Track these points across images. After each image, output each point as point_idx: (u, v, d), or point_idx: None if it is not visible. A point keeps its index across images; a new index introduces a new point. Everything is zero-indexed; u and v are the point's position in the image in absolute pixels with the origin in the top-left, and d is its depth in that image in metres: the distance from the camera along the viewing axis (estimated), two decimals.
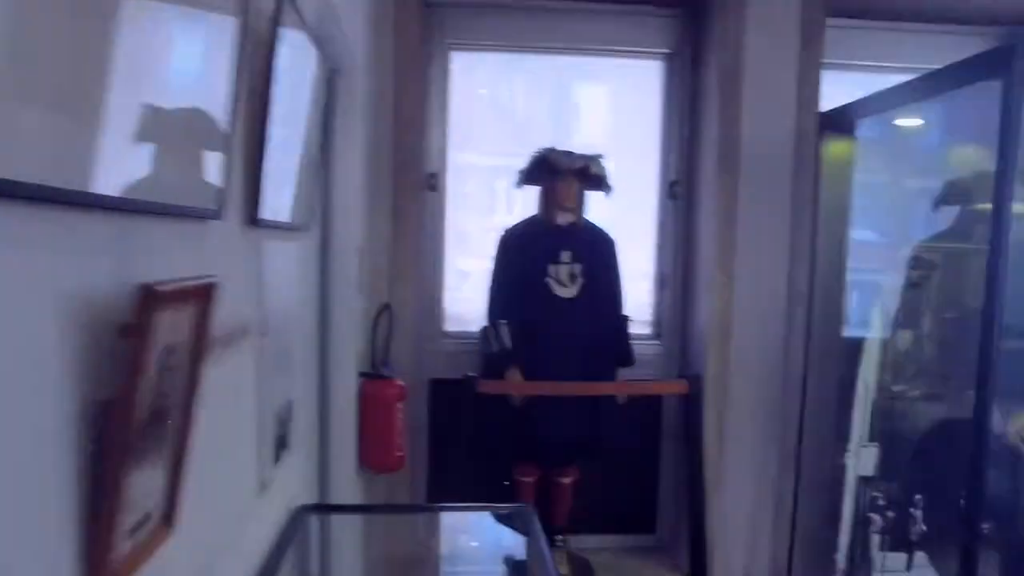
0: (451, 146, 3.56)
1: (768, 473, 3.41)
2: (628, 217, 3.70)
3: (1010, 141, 2.28)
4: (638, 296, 3.69)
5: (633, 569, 3.53)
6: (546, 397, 3.17)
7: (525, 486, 3.48)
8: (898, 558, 3.18)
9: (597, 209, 3.59)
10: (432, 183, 3.48)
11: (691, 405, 3.10)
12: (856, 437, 3.18)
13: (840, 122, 3.13)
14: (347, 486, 2.86)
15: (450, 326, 3.61)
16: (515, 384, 3.21)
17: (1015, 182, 2.33)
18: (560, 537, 3.53)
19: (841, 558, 3.18)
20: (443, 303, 3.59)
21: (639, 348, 3.60)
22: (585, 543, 3.65)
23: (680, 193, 3.58)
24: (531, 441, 3.24)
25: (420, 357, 3.53)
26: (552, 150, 3.19)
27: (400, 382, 3.01)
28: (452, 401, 3.25)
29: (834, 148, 3.18)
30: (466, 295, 3.58)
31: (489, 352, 3.25)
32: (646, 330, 3.69)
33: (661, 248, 3.64)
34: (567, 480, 3.48)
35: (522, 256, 3.24)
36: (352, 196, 2.75)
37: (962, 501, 2.81)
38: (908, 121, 3.31)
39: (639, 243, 3.69)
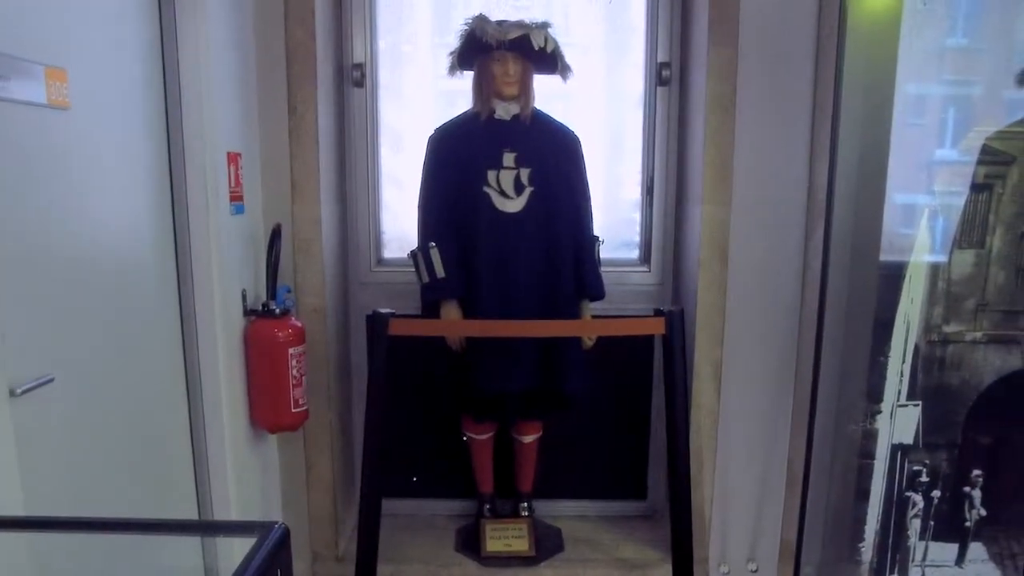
0: (383, 30, 2.86)
1: (780, 434, 2.69)
2: (614, 114, 2.94)
3: None
4: (624, 212, 2.96)
5: (612, 542, 2.90)
6: (490, 340, 2.52)
7: (479, 445, 2.88)
8: (945, 549, 2.45)
9: (572, 107, 2.86)
10: (358, 77, 2.81)
11: (670, 347, 2.38)
12: (891, 393, 2.41)
13: None
14: (233, 450, 2.34)
15: (394, 250, 2.98)
16: (434, 324, 2.57)
17: None
18: (525, 505, 2.93)
19: (868, 548, 2.46)
20: (380, 223, 2.96)
21: (624, 276, 2.90)
22: (559, 510, 3.06)
23: (670, 77, 2.77)
24: (477, 393, 2.61)
25: (349, 290, 2.94)
26: (481, 18, 2.43)
27: (295, 321, 2.43)
28: (393, 342, 2.65)
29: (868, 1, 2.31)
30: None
31: (421, 284, 2.60)
32: (632, 254, 2.96)
33: (648, 148, 2.86)
34: (529, 438, 2.86)
35: (455, 161, 2.53)
36: (205, 79, 2.12)
37: None
38: None
39: (628, 147, 2.93)
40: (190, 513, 2.27)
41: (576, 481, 3.07)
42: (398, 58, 2.89)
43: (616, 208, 2.93)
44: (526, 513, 2.92)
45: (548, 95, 2.74)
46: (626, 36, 2.87)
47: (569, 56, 2.56)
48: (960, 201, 2.42)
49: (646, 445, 3.05)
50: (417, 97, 2.91)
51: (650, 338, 2.92)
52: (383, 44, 2.86)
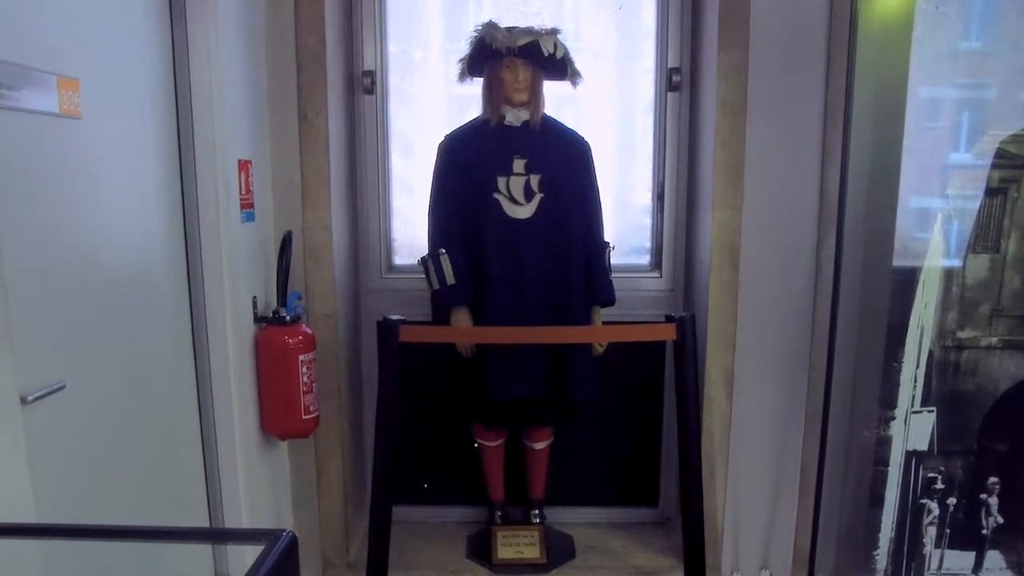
0: (393, 37, 2.87)
1: (793, 440, 2.67)
2: (625, 119, 2.93)
3: None
4: (635, 218, 2.95)
5: (624, 549, 2.89)
6: (501, 346, 2.52)
7: (490, 451, 2.87)
8: (961, 558, 2.42)
9: (582, 112, 2.86)
10: (368, 84, 2.82)
11: (681, 354, 2.37)
12: (906, 399, 2.39)
13: None
14: (244, 457, 2.34)
15: (404, 257, 2.99)
16: (445, 330, 2.56)
17: None
18: (536, 512, 2.92)
19: (883, 556, 2.44)
20: (391, 230, 2.96)
21: (635, 282, 2.89)
22: (570, 517, 3.05)
23: (681, 82, 2.77)
24: (487, 399, 2.60)
25: (359, 296, 2.95)
26: (490, 25, 2.43)
27: (305, 328, 2.44)
28: (404, 348, 2.65)
29: (880, 2, 2.30)
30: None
31: (432, 290, 2.60)
32: (644, 260, 2.95)
33: (659, 153, 2.85)
34: (539, 445, 2.85)
35: (465, 167, 2.53)
36: (216, 88, 2.13)
37: None
38: None
39: (639, 152, 2.92)
40: (201, 520, 2.28)
41: (588, 488, 3.05)
42: (409, 64, 2.90)
43: (627, 213, 2.92)
44: (537, 520, 2.91)
45: (559, 100, 2.74)
46: (637, 41, 2.86)
47: (580, 61, 2.56)
48: (974, 205, 2.39)
49: (658, 451, 3.04)
50: (428, 103, 2.91)
51: (661, 344, 2.91)
52: (393, 50, 2.87)
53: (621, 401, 2.96)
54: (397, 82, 2.89)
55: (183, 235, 2.16)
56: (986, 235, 2.35)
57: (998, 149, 2.39)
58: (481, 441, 2.85)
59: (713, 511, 2.66)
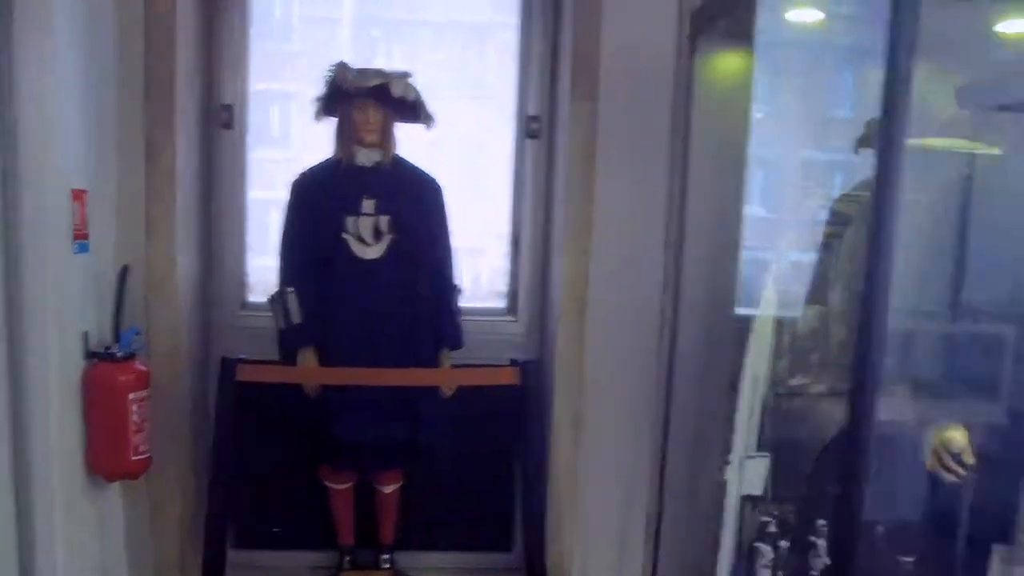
0: (260, 72, 2.85)
1: (640, 487, 2.70)
2: (487, 164, 2.98)
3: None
4: (495, 262, 2.98)
5: None
6: (347, 387, 2.48)
7: (338, 495, 2.80)
8: None
9: (444, 155, 2.89)
10: (226, 119, 2.78)
11: (524, 398, 2.38)
12: (740, 445, 2.45)
13: (728, 21, 2.33)
14: (65, 499, 2.21)
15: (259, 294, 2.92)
16: (285, 370, 2.52)
17: None
18: (387, 556, 2.86)
19: None
20: (244, 267, 2.90)
21: (493, 326, 2.90)
22: (423, 562, 2.98)
23: (540, 130, 2.83)
24: (333, 441, 2.55)
25: (213, 333, 2.87)
26: (342, 66, 2.44)
27: (139, 365, 2.34)
28: (248, 387, 2.57)
29: (720, 63, 2.41)
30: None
31: (278, 329, 2.56)
32: (501, 303, 2.97)
33: (516, 200, 2.90)
34: (388, 488, 2.80)
35: (315, 206, 2.52)
36: (49, 112, 2.05)
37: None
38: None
39: (501, 196, 2.96)
40: (10, 571, 2.13)
41: (440, 532, 2.99)
42: (272, 100, 2.88)
43: (485, 257, 2.95)
44: (387, 565, 2.84)
45: (422, 143, 2.75)
46: (500, 89, 2.92)
47: (442, 106, 2.58)
48: (810, 259, 2.51)
49: (511, 496, 3.01)
50: (289, 140, 2.89)
51: (515, 388, 2.91)
52: (259, 86, 2.84)
53: (474, 444, 2.92)
54: (260, 117, 2.86)
55: (3, 265, 2.05)
56: (816, 288, 2.46)
57: (830, 208, 2.53)
58: (329, 484, 2.78)
59: (560, 557, 2.65)
